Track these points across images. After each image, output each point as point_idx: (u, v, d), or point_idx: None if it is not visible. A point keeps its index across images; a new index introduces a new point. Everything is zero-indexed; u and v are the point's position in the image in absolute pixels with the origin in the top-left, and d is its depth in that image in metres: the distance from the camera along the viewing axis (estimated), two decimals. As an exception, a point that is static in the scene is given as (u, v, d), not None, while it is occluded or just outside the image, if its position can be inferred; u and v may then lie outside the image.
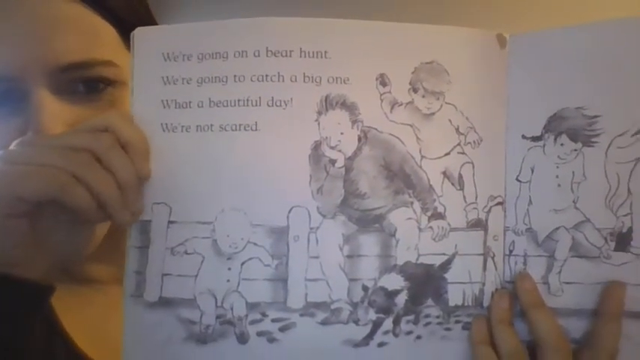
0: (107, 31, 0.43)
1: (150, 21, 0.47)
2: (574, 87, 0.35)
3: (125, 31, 0.44)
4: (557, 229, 0.36)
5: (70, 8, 0.41)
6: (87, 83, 0.42)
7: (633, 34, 0.35)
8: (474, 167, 0.36)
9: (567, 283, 0.36)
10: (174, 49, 0.36)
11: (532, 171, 0.36)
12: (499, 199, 0.36)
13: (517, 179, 0.36)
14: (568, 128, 0.35)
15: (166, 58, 0.36)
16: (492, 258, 0.37)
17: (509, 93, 0.36)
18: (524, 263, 0.36)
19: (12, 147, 0.34)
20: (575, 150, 0.35)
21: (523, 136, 0.36)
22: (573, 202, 0.35)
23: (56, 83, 0.40)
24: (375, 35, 0.35)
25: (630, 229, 0.34)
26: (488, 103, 0.36)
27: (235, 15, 0.38)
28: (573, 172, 0.35)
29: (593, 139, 0.35)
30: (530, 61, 0.36)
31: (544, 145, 0.36)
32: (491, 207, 0.36)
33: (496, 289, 0.37)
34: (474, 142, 0.36)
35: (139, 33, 0.37)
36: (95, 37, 0.42)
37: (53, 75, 0.40)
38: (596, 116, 0.35)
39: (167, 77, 0.36)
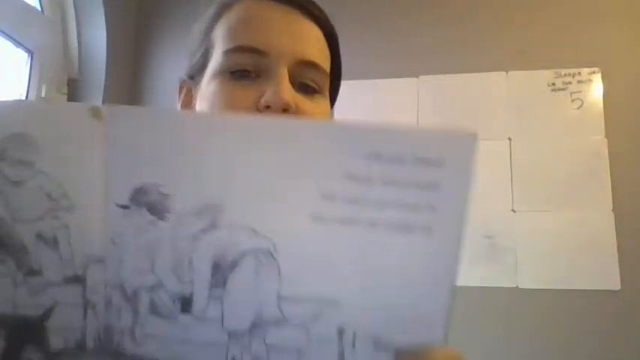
0: (328, 54, 0.65)
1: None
2: (155, 165, 0.38)
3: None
4: (140, 288, 0.40)
5: (316, 30, 0.63)
6: (306, 85, 0.61)
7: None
8: (69, 230, 0.39)
9: (149, 335, 0.40)
10: None
11: (123, 236, 0.39)
12: (98, 258, 0.40)
13: (112, 241, 0.40)
14: (147, 202, 0.39)
15: None
16: (93, 308, 0.41)
17: (110, 162, 0.39)
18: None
19: None
20: (152, 222, 0.39)
21: (116, 204, 0.39)
22: (151, 266, 0.39)
23: (291, 72, 0.59)
24: None
25: (192, 294, 0.39)
26: (83, 172, 0.39)
27: None
28: (154, 241, 0.39)
29: (165, 214, 0.39)
30: (125, 134, 0.39)
31: (131, 215, 0.39)
32: (88, 264, 0.40)
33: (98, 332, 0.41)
34: (68, 207, 0.39)
35: None
36: (326, 54, 0.64)
37: (294, 64, 0.59)
38: (168, 194, 0.38)
39: None
